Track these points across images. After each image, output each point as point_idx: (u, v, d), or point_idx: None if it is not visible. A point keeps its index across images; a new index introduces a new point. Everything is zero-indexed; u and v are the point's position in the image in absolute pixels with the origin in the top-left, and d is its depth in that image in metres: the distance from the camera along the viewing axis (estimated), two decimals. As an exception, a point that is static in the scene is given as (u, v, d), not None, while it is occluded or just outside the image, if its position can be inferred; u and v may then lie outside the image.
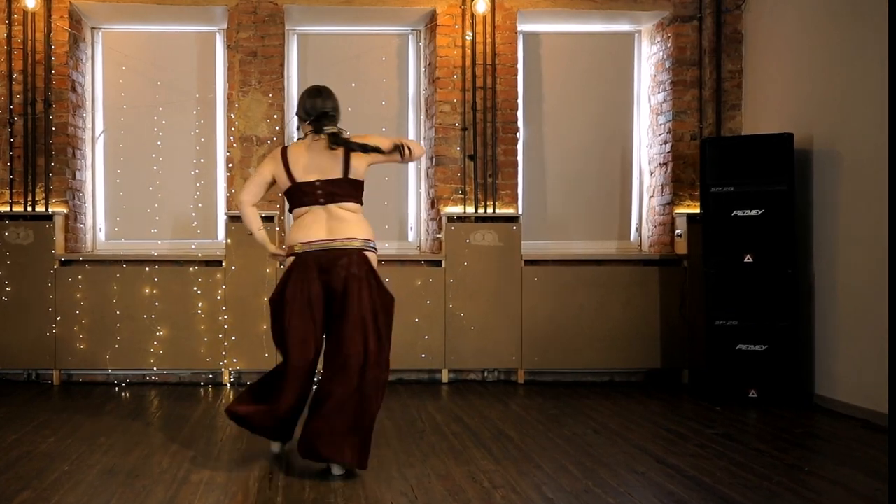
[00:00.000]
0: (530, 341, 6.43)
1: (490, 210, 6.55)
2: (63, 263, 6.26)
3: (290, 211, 4.07)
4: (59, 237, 6.27)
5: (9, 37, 6.33)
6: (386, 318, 3.94)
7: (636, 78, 7.07)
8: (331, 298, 3.93)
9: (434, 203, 6.63)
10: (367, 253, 3.95)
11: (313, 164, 3.97)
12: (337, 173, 3.94)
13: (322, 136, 3.96)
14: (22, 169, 6.34)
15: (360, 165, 3.98)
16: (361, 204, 4.05)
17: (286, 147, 4.08)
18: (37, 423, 4.91)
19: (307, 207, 3.97)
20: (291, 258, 3.96)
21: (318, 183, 3.94)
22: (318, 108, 4.01)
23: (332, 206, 3.94)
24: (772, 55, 6.23)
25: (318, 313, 3.93)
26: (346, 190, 3.96)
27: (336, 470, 3.85)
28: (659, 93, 6.84)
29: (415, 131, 6.93)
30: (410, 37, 6.96)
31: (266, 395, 4.06)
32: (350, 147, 3.94)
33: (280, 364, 4.05)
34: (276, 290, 4.01)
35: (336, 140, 3.93)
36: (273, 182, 4.07)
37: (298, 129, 4.28)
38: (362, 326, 3.83)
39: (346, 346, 3.81)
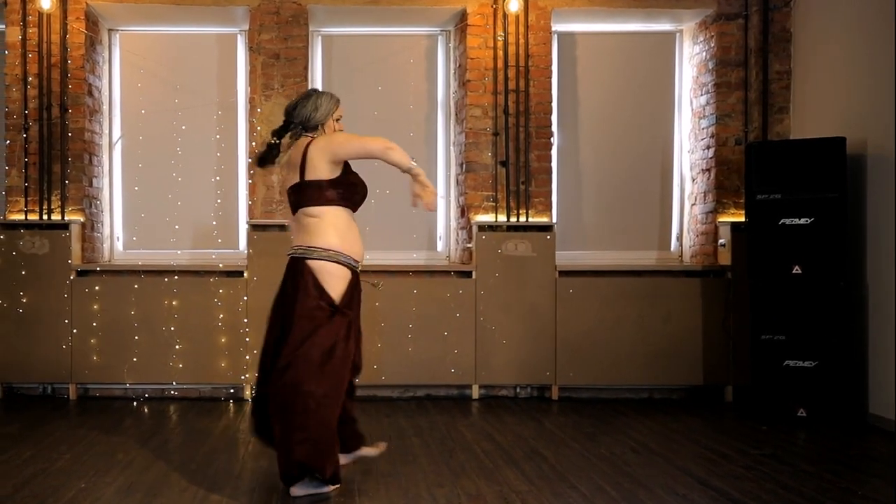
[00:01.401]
0: (565, 356, 6.45)
1: (523, 219, 6.59)
2: (79, 274, 6.39)
3: (322, 204, 4.03)
4: (75, 247, 6.40)
5: (24, 39, 6.47)
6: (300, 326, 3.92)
7: (677, 80, 7.09)
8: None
9: (464, 211, 6.69)
10: (307, 261, 3.94)
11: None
12: (295, 178, 4.04)
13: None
14: (37, 176, 6.48)
15: (318, 163, 3.96)
16: (327, 205, 4.00)
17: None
18: (52, 439, 5.02)
19: (346, 209, 4.07)
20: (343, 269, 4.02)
21: (288, 191, 4.09)
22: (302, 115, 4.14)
23: (299, 214, 4.04)
24: (822, 54, 6.22)
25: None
26: (299, 198, 4.03)
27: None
28: (701, 95, 6.85)
29: (444, 136, 7.00)
30: (439, 37, 7.04)
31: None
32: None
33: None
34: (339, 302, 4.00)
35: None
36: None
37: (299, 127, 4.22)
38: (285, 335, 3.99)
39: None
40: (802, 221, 5.65)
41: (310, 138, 4.02)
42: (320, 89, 4.25)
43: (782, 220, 5.70)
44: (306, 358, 3.82)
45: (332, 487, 3.92)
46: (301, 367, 3.81)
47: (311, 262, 3.91)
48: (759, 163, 5.82)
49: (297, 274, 3.93)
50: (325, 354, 3.84)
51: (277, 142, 4.11)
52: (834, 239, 5.58)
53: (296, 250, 3.97)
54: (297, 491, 3.88)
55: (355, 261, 4.00)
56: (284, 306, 3.99)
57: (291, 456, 3.79)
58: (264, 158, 4.12)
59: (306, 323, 3.87)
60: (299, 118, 4.07)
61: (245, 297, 6.33)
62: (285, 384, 3.81)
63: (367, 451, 4.28)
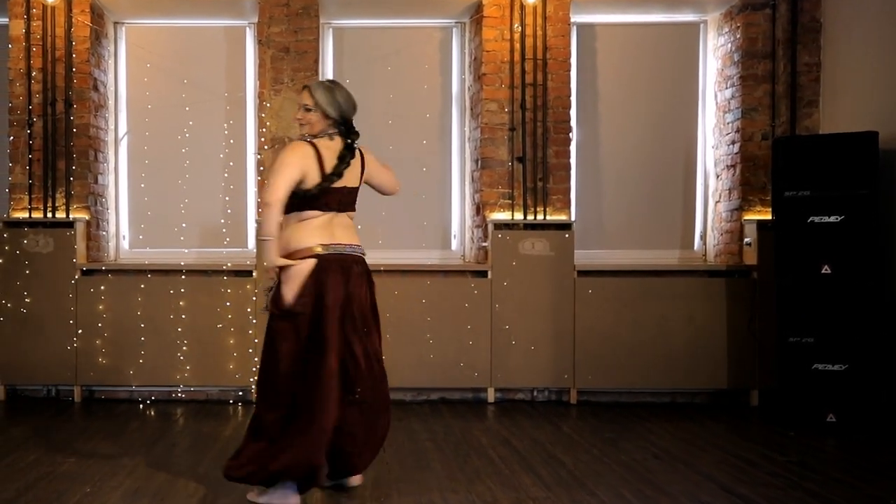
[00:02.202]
0: (584, 358, 6.44)
1: (540, 217, 6.58)
2: (84, 273, 6.43)
3: (290, 212, 3.93)
4: (80, 245, 6.44)
5: (27, 32, 6.52)
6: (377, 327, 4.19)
7: (701, 72, 7.07)
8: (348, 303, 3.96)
9: (479, 209, 6.69)
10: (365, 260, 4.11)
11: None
12: (356, 182, 4.06)
13: (342, 140, 4.00)
14: (41, 173, 6.53)
15: (370, 174, 4.20)
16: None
17: (312, 141, 3.95)
18: (57, 443, 5.05)
19: (319, 212, 3.96)
20: (309, 261, 3.89)
21: (345, 190, 4.00)
22: (353, 111, 4.07)
23: (341, 215, 4.03)
24: (853, 46, 6.18)
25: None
26: (355, 199, 4.12)
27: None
28: (727, 88, 6.82)
29: (458, 131, 7.01)
30: (454, 30, 7.04)
31: None
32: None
33: None
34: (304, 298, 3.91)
35: (352, 153, 4.03)
36: (299, 181, 3.89)
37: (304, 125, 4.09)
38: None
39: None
40: (832, 219, 5.62)
41: (348, 142, 4.01)
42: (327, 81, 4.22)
43: (811, 218, 5.67)
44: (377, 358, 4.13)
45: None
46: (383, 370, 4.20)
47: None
48: (786, 158, 5.79)
49: (365, 274, 4.03)
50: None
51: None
52: (865, 237, 5.54)
53: (355, 248, 4.01)
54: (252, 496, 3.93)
55: None
56: (352, 307, 3.93)
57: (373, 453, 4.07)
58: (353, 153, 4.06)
59: (375, 324, 4.09)
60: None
61: (254, 298, 6.35)
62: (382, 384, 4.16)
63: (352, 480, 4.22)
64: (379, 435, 4.04)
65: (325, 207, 3.93)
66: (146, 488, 4.12)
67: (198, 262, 6.68)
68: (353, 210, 4.09)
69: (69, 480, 4.23)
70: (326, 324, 3.82)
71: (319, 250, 3.87)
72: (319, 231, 3.92)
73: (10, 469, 4.43)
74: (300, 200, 3.89)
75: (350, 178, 3.99)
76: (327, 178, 3.89)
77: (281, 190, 3.79)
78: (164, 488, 4.12)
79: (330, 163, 3.92)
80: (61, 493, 4.01)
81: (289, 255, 3.87)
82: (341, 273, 3.88)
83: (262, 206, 3.89)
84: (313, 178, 3.87)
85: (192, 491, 4.09)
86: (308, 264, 3.85)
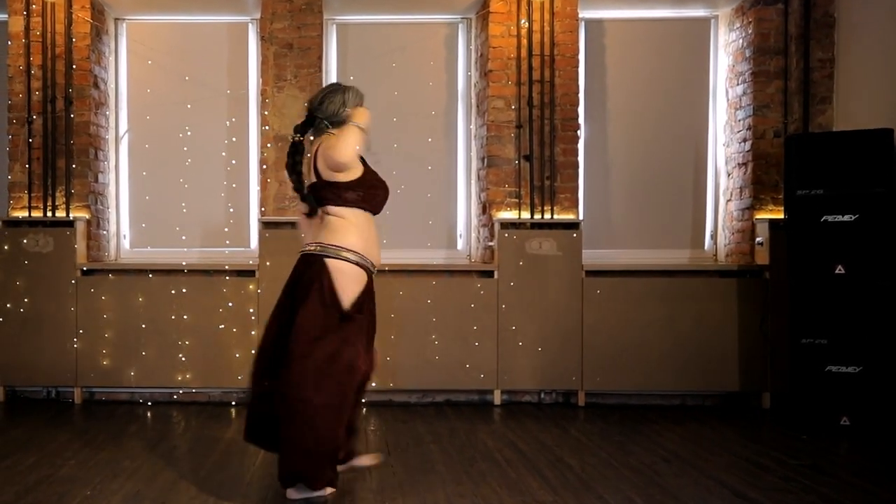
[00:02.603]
0: (592, 360, 6.42)
1: (547, 216, 6.57)
2: (85, 273, 6.43)
3: (341, 205, 4.03)
4: (80, 245, 6.45)
5: (27, 29, 6.53)
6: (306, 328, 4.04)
7: (712, 69, 7.05)
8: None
9: (486, 208, 6.68)
10: (326, 259, 4.03)
11: None
12: (312, 177, 4.12)
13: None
14: (41, 171, 6.54)
15: (321, 166, 4.07)
16: (346, 207, 4.08)
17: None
18: (56, 445, 5.05)
19: (365, 213, 4.07)
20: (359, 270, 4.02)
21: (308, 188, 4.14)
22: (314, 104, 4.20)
23: (320, 212, 4.12)
24: (868, 41, 6.16)
25: None
26: (324, 194, 4.11)
27: None
28: (738, 85, 6.80)
29: (464, 129, 6.99)
30: (460, 25, 7.03)
31: None
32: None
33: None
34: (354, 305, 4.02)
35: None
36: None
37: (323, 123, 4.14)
38: None
39: None
40: (846, 218, 5.59)
41: (331, 135, 4.02)
42: (344, 84, 4.26)
43: (824, 217, 5.65)
44: (309, 363, 3.84)
45: (328, 491, 3.98)
46: (302, 372, 3.83)
47: (329, 262, 3.94)
48: (799, 156, 5.77)
49: (312, 272, 3.95)
50: (329, 360, 3.85)
51: (301, 138, 4.13)
52: (880, 237, 5.52)
53: (315, 247, 3.98)
54: (292, 494, 3.95)
55: (373, 265, 4.04)
56: (292, 304, 4.00)
57: (287, 462, 3.88)
58: (296, 161, 4.11)
59: (312, 325, 3.89)
60: (325, 113, 4.07)
61: (257, 298, 6.35)
62: (287, 387, 3.84)
63: (361, 461, 4.35)
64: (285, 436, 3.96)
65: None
66: (147, 491, 4.12)
67: (199, 261, 6.68)
68: (325, 205, 4.06)
69: (69, 483, 4.23)
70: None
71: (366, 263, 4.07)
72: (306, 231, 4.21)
73: (9, 472, 4.43)
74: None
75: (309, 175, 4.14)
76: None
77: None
78: (165, 492, 4.12)
79: None
80: (61, 497, 4.00)
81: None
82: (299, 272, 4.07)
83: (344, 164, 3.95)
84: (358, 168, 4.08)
85: (194, 494, 4.08)
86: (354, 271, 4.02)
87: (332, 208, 4.02)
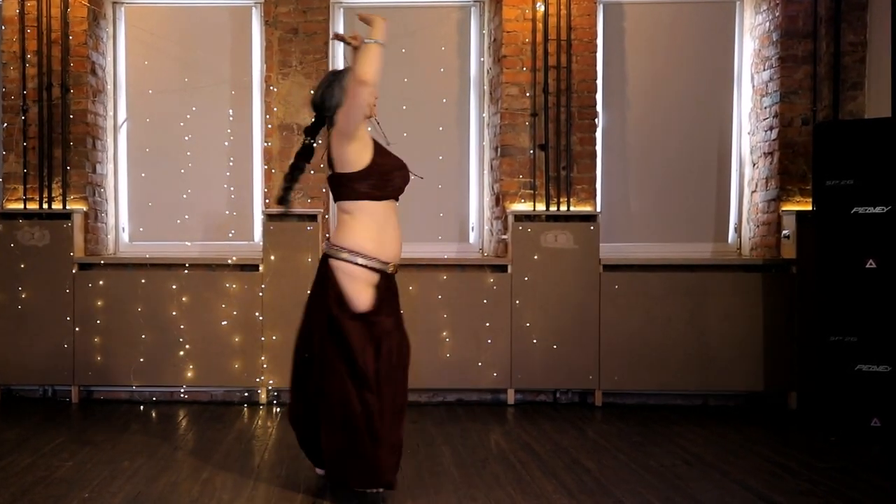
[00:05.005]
0: (610, 358, 6.43)
1: (563, 208, 6.57)
2: (82, 267, 6.47)
3: (355, 199, 4.02)
4: (77, 238, 6.48)
5: (21, 14, 6.55)
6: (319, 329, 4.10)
7: (737, 53, 7.03)
8: None
9: (499, 200, 6.68)
10: (331, 260, 4.02)
11: None
12: (329, 170, 4.16)
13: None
14: (37, 162, 6.57)
15: (338, 150, 4.02)
16: (360, 200, 4.03)
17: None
18: (53, 446, 5.09)
19: (382, 202, 4.07)
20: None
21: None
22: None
23: (336, 208, 4.20)
24: (899, 24, 6.12)
25: None
26: (336, 188, 4.13)
27: None
28: (764, 70, 6.78)
29: (477, 117, 7.00)
30: (472, 9, 7.03)
31: None
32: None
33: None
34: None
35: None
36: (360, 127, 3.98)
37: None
38: None
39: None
40: (877, 210, 5.57)
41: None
42: (339, 69, 4.25)
43: (855, 209, 5.62)
44: (330, 366, 3.88)
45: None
46: (327, 376, 3.89)
47: (333, 262, 3.96)
48: (829, 145, 5.74)
49: (321, 272, 4.02)
50: (348, 362, 3.87)
51: (312, 141, 4.14)
52: (912, 229, 5.50)
53: (328, 247, 4.02)
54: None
55: (384, 262, 3.99)
56: (311, 305, 4.10)
57: (330, 467, 4.01)
58: (300, 166, 4.15)
59: (323, 326, 3.94)
60: (331, 109, 4.03)
61: (260, 293, 6.37)
62: (317, 392, 3.99)
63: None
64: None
65: None
66: (147, 494, 4.14)
67: (201, 255, 6.72)
68: (338, 200, 4.08)
69: (66, 485, 4.26)
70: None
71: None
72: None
73: (4, 473, 4.46)
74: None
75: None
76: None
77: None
78: (166, 493, 4.15)
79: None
80: (58, 499, 4.03)
81: None
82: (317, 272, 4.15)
83: (363, 83, 3.89)
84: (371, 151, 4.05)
85: (196, 496, 4.11)
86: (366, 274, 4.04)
87: (345, 204, 4.00)
